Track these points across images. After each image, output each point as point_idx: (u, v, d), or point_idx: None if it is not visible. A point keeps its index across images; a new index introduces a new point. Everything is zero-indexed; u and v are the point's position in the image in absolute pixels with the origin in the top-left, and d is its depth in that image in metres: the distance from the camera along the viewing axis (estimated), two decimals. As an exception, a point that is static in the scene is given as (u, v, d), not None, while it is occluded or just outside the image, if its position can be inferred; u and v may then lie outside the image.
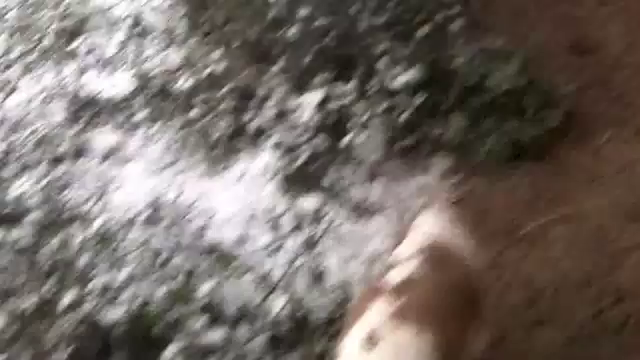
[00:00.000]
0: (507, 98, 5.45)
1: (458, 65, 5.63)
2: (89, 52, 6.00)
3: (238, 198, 5.24)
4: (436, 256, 3.36)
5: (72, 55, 6.03)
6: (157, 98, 5.97)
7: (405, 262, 3.32)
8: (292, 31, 5.54)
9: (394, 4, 5.87)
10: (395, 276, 3.23)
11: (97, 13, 6.49)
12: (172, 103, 5.85)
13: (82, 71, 6.06)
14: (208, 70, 5.71)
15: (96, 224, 4.61)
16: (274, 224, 4.75)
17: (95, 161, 5.74)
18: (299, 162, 5.33)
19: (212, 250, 3.95)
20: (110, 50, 6.24)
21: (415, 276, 3.22)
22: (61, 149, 5.69)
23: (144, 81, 6.03)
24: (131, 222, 4.12)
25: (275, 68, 5.78)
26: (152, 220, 4.17)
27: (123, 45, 6.14)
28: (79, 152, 5.74)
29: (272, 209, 5.05)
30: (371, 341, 2.97)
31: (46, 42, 5.99)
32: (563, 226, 4.89)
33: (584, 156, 5.41)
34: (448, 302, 3.18)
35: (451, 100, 5.56)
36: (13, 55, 5.98)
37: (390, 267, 3.35)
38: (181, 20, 6.32)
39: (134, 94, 6.10)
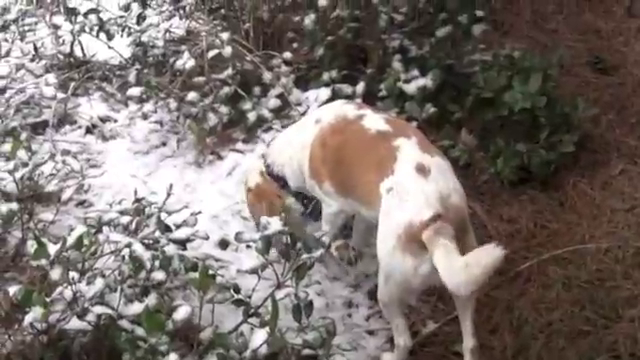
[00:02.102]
0: (522, 116, 5.25)
1: (475, 74, 5.40)
2: (89, 13, 5.68)
3: (226, 194, 5.04)
4: None
5: (71, 14, 5.70)
6: (154, 72, 5.72)
7: None
8: (308, 18, 5.24)
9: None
10: None
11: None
12: (169, 80, 5.60)
13: (79, 32, 5.76)
14: (212, 50, 5.40)
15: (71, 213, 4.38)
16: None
17: (78, 132, 5.51)
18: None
19: (193, 265, 3.74)
20: (111, 12, 5.91)
21: None
22: (45, 116, 5.44)
23: (142, 50, 5.75)
24: (109, 219, 3.86)
25: (284, 56, 5.55)
26: (131, 214, 3.91)
27: (125, 8, 5.81)
28: (63, 121, 5.49)
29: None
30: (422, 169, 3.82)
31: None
32: (562, 266, 4.70)
33: (593, 188, 5.23)
34: None
35: (464, 111, 5.34)
36: (10, 16, 5.66)
37: None
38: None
39: (130, 63, 5.85)
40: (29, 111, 5.47)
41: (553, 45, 6.25)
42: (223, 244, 4.70)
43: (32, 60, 5.72)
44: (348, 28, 5.38)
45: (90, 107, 5.66)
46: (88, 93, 5.79)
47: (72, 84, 5.59)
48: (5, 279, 3.98)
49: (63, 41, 5.83)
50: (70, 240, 3.47)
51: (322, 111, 4.49)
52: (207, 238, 4.00)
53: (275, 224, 3.80)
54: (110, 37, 5.70)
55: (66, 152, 4.93)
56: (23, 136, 4.53)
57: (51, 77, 5.37)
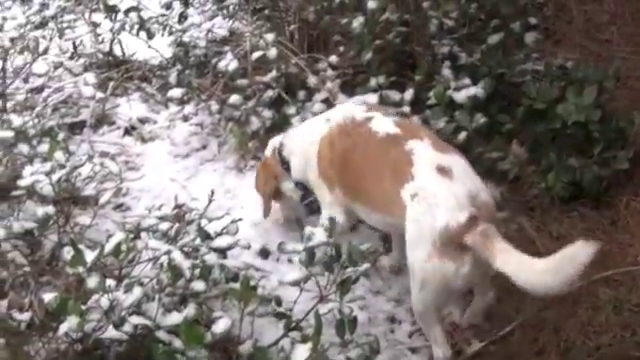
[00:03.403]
0: (575, 129, 5.11)
1: (528, 84, 5.27)
2: (129, 10, 5.63)
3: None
4: None
5: (110, 12, 5.66)
6: (195, 73, 5.67)
7: None
8: (357, 21, 5.14)
9: (469, 4, 5.52)
10: None
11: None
12: (210, 82, 5.55)
13: (119, 31, 5.71)
14: (256, 52, 5.32)
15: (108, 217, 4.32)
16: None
17: (116, 133, 5.46)
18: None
19: (234, 275, 3.67)
20: (152, 11, 5.86)
21: None
22: (82, 116, 5.39)
23: (184, 50, 5.69)
24: (148, 225, 3.80)
25: (330, 59, 5.45)
26: (171, 220, 3.85)
27: (167, 7, 5.76)
28: (101, 121, 5.44)
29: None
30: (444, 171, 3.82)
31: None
32: (612, 288, 4.56)
33: (647, 208, 5.08)
34: None
35: (514, 123, 5.23)
36: (49, 12, 5.60)
37: None
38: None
39: (171, 63, 5.80)
40: (66, 110, 5.43)
41: (607, 56, 6.10)
42: (264, 253, 4.65)
43: (71, 58, 5.66)
44: (397, 32, 5.26)
45: (129, 108, 5.62)
46: (127, 93, 5.75)
47: (111, 84, 5.52)
48: (40, 283, 3.90)
49: (102, 39, 5.78)
50: (108, 247, 3.40)
51: (333, 110, 4.54)
52: (249, 247, 3.93)
53: (319, 235, 3.74)
54: (151, 36, 5.66)
55: (105, 154, 4.88)
56: (60, 136, 4.49)
57: (90, 76, 5.32)
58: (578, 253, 3.40)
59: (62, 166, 3.92)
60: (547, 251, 4.65)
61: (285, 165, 4.63)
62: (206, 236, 3.80)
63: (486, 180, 5.00)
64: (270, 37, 5.30)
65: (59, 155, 4.00)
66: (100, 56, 5.91)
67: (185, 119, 5.54)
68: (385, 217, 4.10)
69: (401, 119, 4.32)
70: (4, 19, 5.19)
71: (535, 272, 3.49)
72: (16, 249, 4.04)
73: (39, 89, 5.40)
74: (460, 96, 5.09)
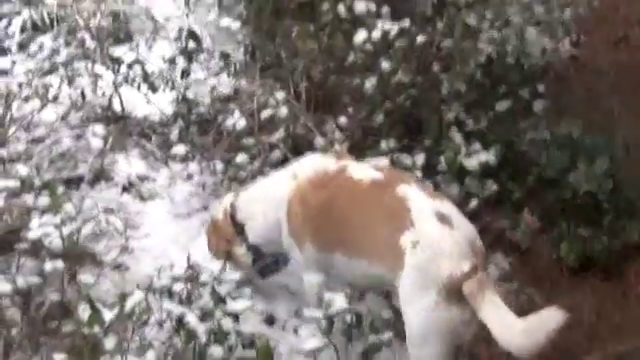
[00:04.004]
0: (585, 199, 5.11)
1: (537, 152, 5.25)
2: (133, 63, 5.53)
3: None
4: None
5: (114, 64, 5.56)
6: (197, 130, 5.57)
7: None
8: (369, 82, 5.07)
9: (478, 70, 5.49)
10: None
11: (149, 24, 6.06)
12: (212, 140, 5.47)
13: (120, 84, 5.60)
14: (265, 110, 5.25)
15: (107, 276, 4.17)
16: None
17: (114, 190, 5.31)
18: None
19: (251, 341, 3.54)
20: (155, 65, 5.77)
21: None
22: (80, 170, 5.25)
23: (187, 107, 5.59)
24: (162, 286, 3.65)
25: (339, 120, 5.36)
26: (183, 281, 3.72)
27: (170, 62, 5.66)
28: (99, 177, 5.30)
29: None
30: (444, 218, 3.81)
31: (90, 45, 5.50)
32: (625, 363, 4.47)
33: (658, 280, 5.02)
34: None
35: (524, 191, 5.21)
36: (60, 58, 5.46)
37: None
38: (240, 46, 5.88)
39: (172, 120, 5.69)
40: (64, 164, 5.26)
41: (610, 126, 6.10)
42: (269, 320, 4.50)
43: (77, 109, 5.50)
44: (407, 95, 5.21)
45: (128, 164, 5.46)
46: (125, 149, 5.58)
47: (110, 138, 5.38)
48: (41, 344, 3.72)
49: (103, 92, 5.64)
50: (128, 306, 3.26)
51: (298, 165, 4.41)
52: (263, 313, 3.81)
53: (339, 301, 3.64)
54: (154, 90, 5.56)
55: (109, 210, 4.73)
56: (59, 190, 4.34)
57: (99, 128, 5.22)
58: (549, 319, 3.49)
59: (72, 219, 3.76)
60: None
61: (239, 228, 4.51)
62: (219, 299, 3.68)
63: (495, 250, 5.03)
64: (281, 95, 5.20)
65: (69, 207, 3.84)
66: (98, 110, 5.74)
67: (189, 177, 5.38)
68: (371, 266, 3.97)
69: (377, 164, 4.38)
70: (13, 63, 5.03)
71: (512, 331, 3.56)
72: (15, 306, 3.84)
73: (40, 139, 5.22)
74: (471, 162, 5.02)
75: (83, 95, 5.48)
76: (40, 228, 3.71)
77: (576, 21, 6.09)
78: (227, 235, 4.54)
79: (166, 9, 6.63)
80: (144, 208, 5.23)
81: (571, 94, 6.51)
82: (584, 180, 5.06)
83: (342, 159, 4.32)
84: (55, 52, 5.18)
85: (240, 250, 4.53)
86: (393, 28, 4.89)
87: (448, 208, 3.91)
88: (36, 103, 5.28)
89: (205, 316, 3.59)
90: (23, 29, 6.25)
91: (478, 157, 5.06)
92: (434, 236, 3.77)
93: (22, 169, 4.07)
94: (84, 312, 3.23)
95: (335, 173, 4.18)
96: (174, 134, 5.55)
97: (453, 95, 5.33)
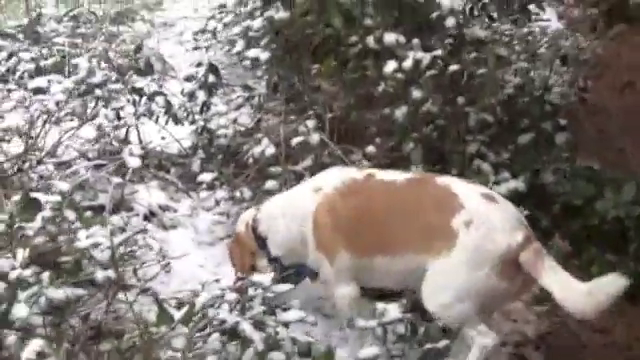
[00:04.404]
0: (612, 226, 5.22)
1: (562, 181, 5.40)
2: (155, 94, 5.51)
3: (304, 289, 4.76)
4: None
5: (137, 94, 5.55)
6: (219, 161, 5.56)
7: None
8: (400, 111, 5.08)
9: (501, 103, 5.57)
10: None
11: (171, 56, 6.07)
12: (233, 173, 5.49)
13: (142, 115, 5.58)
14: (291, 138, 5.26)
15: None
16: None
17: (135, 220, 5.23)
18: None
19: (307, 349, 3.48)
20: (176, 97, 5.77)
21: None
22: (100, 200, 5.18)
23: (208, 138, 5.58)
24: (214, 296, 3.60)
25: (366, 150, 5.35)
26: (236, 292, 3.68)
27: (191, 94, 5.66)
28: (119, 206, 5.23)
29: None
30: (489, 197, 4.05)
31: (113, 76, 5.48)
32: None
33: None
34: None
35: (550, 219, 5.30)
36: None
37: None
38: (263, 78, 5.90)
39: (191, 152, 5.66)
40: (84, 194, 5.18)
41: (624, 164, 6.20)
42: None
43: (94, 141, 5.43)
44: (435, 126, 5.24)
45: (148, 195, 5.40)
46: (144, 181, 5.54)
47: (129, 170, 5.32)
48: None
49: (125, 122, 5.59)
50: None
51: (320, 179, 4.48)
52: (316, 323, 3.76)
53: (393, 311, 3.61)
54: (177, 121, 5.53)
55: (144, 230, 4.66)
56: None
57: (136, 148, 5.21)
58: (612, 283, 3.71)
59: (122, 229, 3.71)
60: (591, 344, 4.75)
61: (260, 242, 4.54)
62: (271, 310, 3.64)
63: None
64: (311, 124, 5.21)
65: (116, 219, 3.78)
66: (116, 144, 5.69)
67: (215, 205, 5.34)
68: (418, 255, 4.04)
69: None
70: (49, 82, 4.98)
71: (575, 293, 3.77)
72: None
73: (67, 164, 5.14)
74: (500, 190, 5.04)
75: (118, 115, 5.40)
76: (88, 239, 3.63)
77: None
78: (251, 248, 4.57)
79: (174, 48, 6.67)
80: (167, 236, 5.20)
81: (583, 132, 6.61)
82: (611, 207, 5.15)
83: (364, 168, 4.47)
84: (91, 73, 5.11)
85: (263, 263, 4.56)
86: (425, 57, 4.91)
87: (489, 190, 4.18)
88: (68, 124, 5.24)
89: (257, 325, 3.53)
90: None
91: (507, 185, 5.08)
92: (486, 213, 3.95)
93: (63, 185, 3.99)
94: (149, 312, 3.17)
95: (364, 180, 4.29)
96: (196, 164, 5.51)
97: (479, 126, 5.36)
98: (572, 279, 3.81)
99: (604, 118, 6.81)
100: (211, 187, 5.41)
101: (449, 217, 3.95)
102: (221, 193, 5.36)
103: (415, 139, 5.19)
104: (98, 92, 5.10)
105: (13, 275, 3.28)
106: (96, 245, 3.59)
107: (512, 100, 5.63)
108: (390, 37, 4.97)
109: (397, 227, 4.09)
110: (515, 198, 5.08)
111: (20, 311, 3.18)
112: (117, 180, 5.20)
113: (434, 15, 5.08)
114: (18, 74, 6.04)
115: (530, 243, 3.89)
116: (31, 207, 3.69)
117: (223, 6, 6.49)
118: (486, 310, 4.05)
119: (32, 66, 6.07)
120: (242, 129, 5.70)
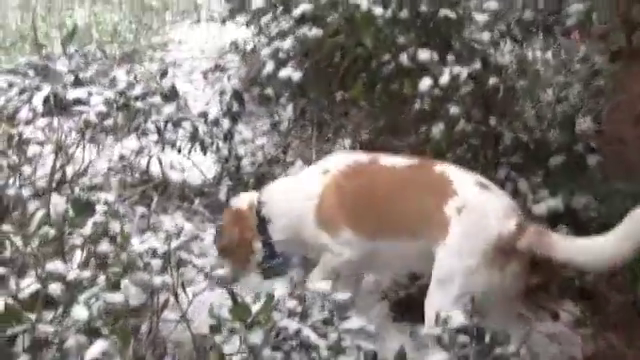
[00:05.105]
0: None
1: (594, 203, 5.23)
2: (181, 120, 5.42)
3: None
4: None
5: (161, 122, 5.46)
6: (246, 189, 5.43)
7: None
8: (436, 128, 4.99)
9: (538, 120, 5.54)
10: None
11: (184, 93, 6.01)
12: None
13: (163, 145, 5.49)
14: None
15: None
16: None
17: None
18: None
19: (373, 356, 3.37)
20: (199, 127, 5.67)
21: None
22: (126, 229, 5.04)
23: (235, 166, 5.50)
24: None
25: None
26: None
27: (214, 124, 5.57)
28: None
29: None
30: (484, 185, 4.12)
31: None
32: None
33: None
34: None
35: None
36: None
37: None
38: (285, 108, 5.84)
39: (217, 180, 5.58)
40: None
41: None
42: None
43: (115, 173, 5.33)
44: (469, 145, 5.18)
45: (174, 225, 5.27)
46: (167, 212, 5.43)
47: (155, 200, 5.20)
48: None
49: (148, 152, 5.49)
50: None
51: (328, 162, 4.56)
52: (376, 334, 3.63)
53: (457, 318, 3.51)
54: (205, 150, 5.43)
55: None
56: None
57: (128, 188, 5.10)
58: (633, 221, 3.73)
59: (177, 234, 3.61)
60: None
61: (261, 224, 4.58)
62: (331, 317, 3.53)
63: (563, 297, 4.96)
64: (347, 142, 5.14)
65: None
66: (137, 175, 5.59)
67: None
68: (416, 240, 4.12)
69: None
70: (89, 94, 4.86)
71: (596, 246, 3.78)
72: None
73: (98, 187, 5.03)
74: (540, 208, 4.98)
75: (159, 130, 5.29)
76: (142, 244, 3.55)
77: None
78: (252, 225, 4.59)
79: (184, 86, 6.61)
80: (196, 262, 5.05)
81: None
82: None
83: (370, 153, 4.50)
84: (131, 86, 5.03)
85: (258, 244, 4.60)
86: (462, 72, 4.87)
87: (485, 179, 4.18)
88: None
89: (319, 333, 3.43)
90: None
91: (547, 203, 5.00)
92: (478, 200, 4.02)
93: (109, 196, 3.89)
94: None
95: (369, 162, 4.40)
96: (222, 192, 5.42)
97: (514, 145, 5.32)
98: (586, 238, 3.85)
99: (621, 148, 6.76)
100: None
101: (442, 203, 4.04)
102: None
103: (449, 160, 5.10)
104: (139, 104, 4.98)
105: (71, 276, 3.17)
106: (153, 251, 3.53)
107: (544, 119, 5.57)
108: (424, 54, 4.93)
109: (396, 211, 4.19)
110: (552, 218, 5.08)
111: (80, 313, 3.07)
112: (142, 209, 5.13)
113: (468, 31, 5.03)
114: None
115: (524, 230, 3.91)
116: (84, 211, 3.56)
117: (234, 43, 6.48)
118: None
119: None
120: (270, 155, 5.61)
